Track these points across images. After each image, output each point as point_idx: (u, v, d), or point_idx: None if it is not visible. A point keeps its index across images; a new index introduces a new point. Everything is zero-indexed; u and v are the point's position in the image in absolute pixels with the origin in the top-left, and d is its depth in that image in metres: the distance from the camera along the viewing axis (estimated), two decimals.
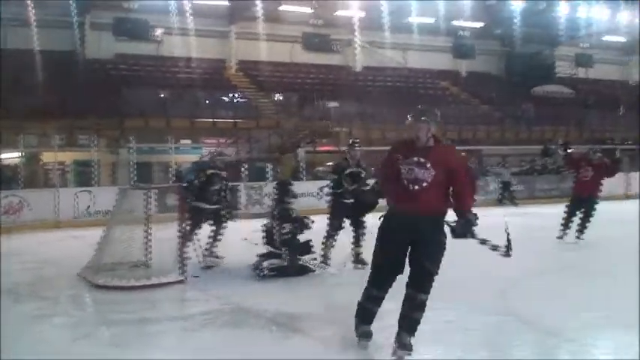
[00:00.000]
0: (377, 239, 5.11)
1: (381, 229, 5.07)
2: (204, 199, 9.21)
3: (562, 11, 33.02)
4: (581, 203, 11.39)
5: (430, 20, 32.88)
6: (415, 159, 4.88)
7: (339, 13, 31.84)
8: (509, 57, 36.77)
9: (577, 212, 11.43)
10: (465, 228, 4.95)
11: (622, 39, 37.10)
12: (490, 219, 5.16)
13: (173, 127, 23.76)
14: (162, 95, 27.17)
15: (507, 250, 5.10)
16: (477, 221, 4.97)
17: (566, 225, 11.44)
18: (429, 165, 4.85)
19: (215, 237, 9.39)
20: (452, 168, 4.92)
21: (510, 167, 24.79)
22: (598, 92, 35.29)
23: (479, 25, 34.59)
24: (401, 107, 27.83)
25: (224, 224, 9.44)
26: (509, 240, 5.10)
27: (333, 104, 28.47)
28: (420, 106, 5.19)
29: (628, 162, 22.42)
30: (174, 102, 26.52)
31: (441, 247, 4.89)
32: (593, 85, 36.85)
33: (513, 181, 23.47)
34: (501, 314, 6.39)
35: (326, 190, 11.69)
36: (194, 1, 29.11)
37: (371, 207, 7.26)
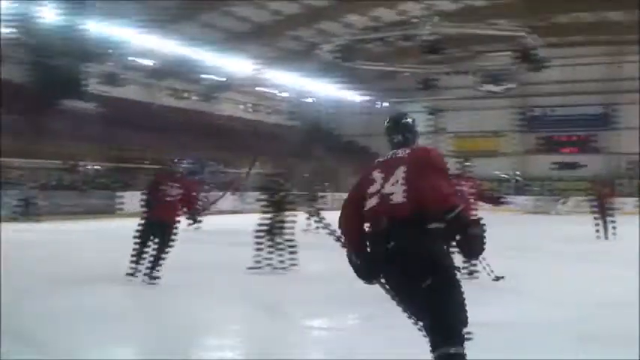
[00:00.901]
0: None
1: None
2: None
3: (94, 28, 32.48)
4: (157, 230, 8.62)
5: None
6: None
7: None
8: (37, 67, 34.75)
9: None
10: None
11: (151, 62, 38.52)
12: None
13: None
14: None
15: None
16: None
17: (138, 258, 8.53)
18: None
19: None
20: None
21: (30, 182, 23.33)
22: (126, 111, 36.00)
23: (9, 31, 31.69)
24: None
25: None
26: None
27: None
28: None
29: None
30: None
31: None
32: (121, 104, 37.42)
33: (37, 196, 22.20)
34: None
35: None
36: None
37: None
